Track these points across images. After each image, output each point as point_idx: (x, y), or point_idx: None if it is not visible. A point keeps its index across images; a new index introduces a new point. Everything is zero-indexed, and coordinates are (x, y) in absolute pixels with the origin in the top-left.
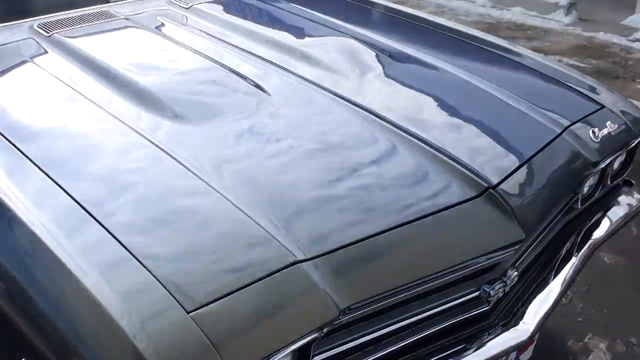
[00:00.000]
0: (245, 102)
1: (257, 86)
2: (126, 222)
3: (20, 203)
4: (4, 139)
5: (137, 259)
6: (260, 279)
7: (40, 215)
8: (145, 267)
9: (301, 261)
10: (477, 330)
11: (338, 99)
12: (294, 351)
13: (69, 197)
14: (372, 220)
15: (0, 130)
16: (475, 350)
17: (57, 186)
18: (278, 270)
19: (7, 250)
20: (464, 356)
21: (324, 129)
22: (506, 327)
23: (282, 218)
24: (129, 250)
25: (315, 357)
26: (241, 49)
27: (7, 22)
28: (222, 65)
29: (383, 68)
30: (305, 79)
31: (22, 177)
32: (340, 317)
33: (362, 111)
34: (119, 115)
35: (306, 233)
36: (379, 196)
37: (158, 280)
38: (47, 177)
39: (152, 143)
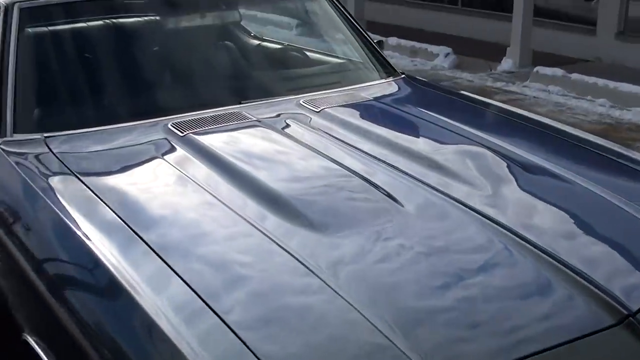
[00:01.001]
0: (371, 208)
1: (387, 194)
2: (242, 314)
3: (139, 287)
4: (131, 231)
5: (257, 356)
6: None
7: (157, 300)
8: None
9: None
10: None
11: (470, 211)
12: None
13: (186, 286)
14: (502, 343)
15: (132, 225)
16: None
17: (175, 274)
18: None
19: (123, 332)
20: None
21: (452, 240)
22: None
23: (408, 329)
24: (247, 347)
25: None
26: (370, 155)
27: (143, 119)
28: (351, 170)
29: (514, 179)
30: (436, 189)
31: (142, 264)
32: None
33: (501, 229)
34: (243, 213)
35: (438, 349)
36: (510, 317)
37: None
38: (166, 265)
39: (272, 239)
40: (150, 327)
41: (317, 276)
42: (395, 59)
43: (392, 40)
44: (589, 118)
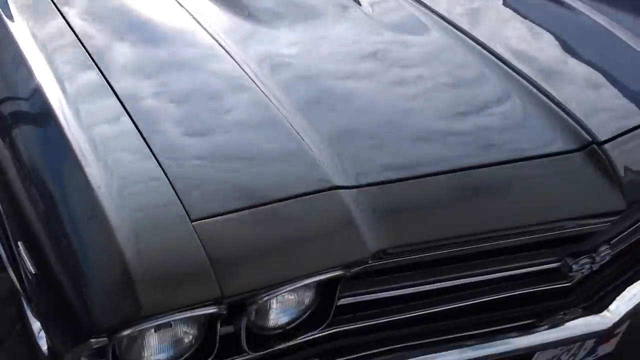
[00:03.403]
0: (328, 8)
1: None
2: (151, 109)
3: (48, 75)
4: None
5: (150, 148)
6: (287, 198)
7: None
8: (157, 159)
9: (340, 187)
10: (551, 308)
11: (436, 17)
12: (317, 287)
13: (98, 73)
14: (439, 156)
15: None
16: (547, 328)
17: (92, 61)
18: (310, 193)
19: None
20: (532, 332)
21: (411, 45)
22: (587, 311)
23: (330, 135)
24: (144, 138)
25: (341, 301)
26: None
27: None
28: None
29: None
30: None
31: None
32: (370, 262)
33: (465, 37)
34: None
35: (356, 157)
36: (452, 128)
37: (168, 177)
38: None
39: (207, 31)
40: (47, 114)
41: (249, 76)
42: None
43: None
44: None
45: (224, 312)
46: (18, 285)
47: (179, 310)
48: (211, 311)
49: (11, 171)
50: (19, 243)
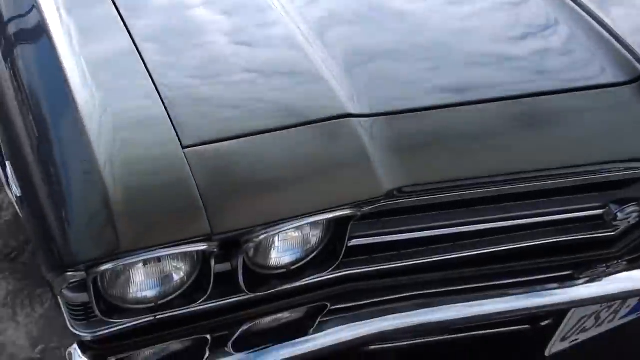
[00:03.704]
0: None
1: None
2: (151, 26)
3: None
4: None
5: (146, 66)
6: (291, 126)
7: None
8: (152, 78)
9: (353, 115)
10: (592, 259)
11: None
12: (325, 226)
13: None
14: (470, 83)
15: None
16: (586, 282)
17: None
18: (317, 121)
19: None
20: (570, 285)
21: None
22: (632, 264)
23: (351, 58)
24: (141, 56)
25: (353, 242)
26: None
27: None
28: None
29: None
30: None
31: None
32: (383, 201)
33: None
34: None
35: (375, 84)
36: (491, 54)
37: (161, 98)
38: None
39: None
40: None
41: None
42: None
43: None
44: None
45: (215, 249)
46: (16, 205)
47: (164, 246)
48: (201, 248)
49: (9, 91)
50: (7, 163)
